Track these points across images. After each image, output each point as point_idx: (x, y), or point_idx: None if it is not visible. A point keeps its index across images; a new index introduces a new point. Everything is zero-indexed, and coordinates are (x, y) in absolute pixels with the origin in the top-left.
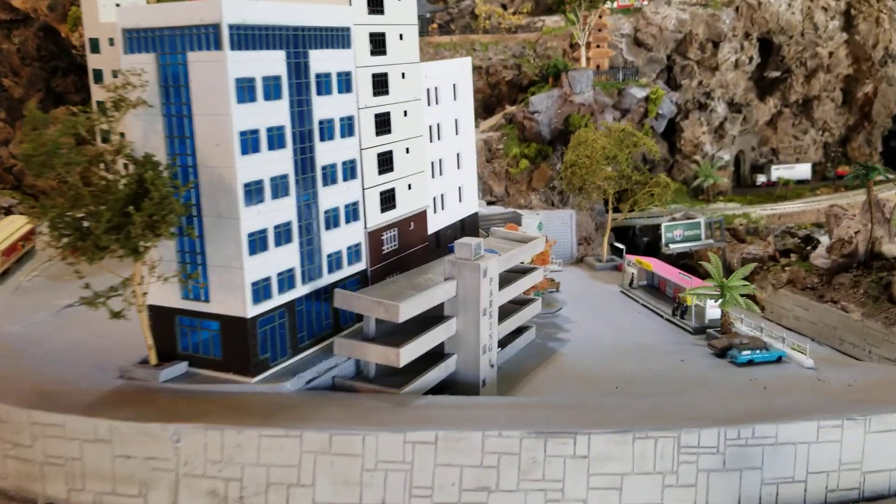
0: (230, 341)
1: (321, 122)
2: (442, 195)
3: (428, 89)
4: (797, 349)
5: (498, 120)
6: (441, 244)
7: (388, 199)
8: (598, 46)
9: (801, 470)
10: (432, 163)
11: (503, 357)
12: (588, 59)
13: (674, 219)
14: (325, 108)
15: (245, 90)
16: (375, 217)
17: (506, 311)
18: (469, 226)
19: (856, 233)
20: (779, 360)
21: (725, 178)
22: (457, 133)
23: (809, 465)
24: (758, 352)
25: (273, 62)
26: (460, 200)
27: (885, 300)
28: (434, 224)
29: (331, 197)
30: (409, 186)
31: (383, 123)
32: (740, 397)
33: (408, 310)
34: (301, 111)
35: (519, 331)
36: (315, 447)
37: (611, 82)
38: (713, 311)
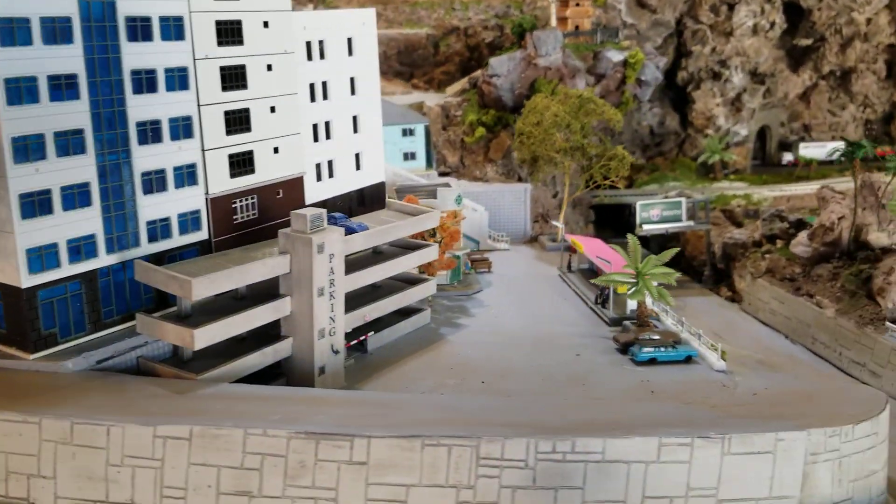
0: (10, 313)
1: (136, 73)
2: (330, 162)
3: (308, 42)
4: (714, 349)
5: (463, 85)
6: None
7: (242, 163)
8: (577, 4)
9: (636, 494)
10: (314, 125)
11: (378, 341)
12: (565, 18)
13: (668, 196)
14: (141, 56)
15: (12, 30)
16: (222, 182)
17: (390, 291)
18: (370, 197)
19: (839, 218)
20: (688, 359)
21: (735, 156)
22: (353, 93)
23: (647, 489)
24: (662, 350)
25: None
26: (358, 168)
27: (864, 296)
28: (316, 193)
29: (151, 158)
30: (276, 150)
31: (235, 78)
32: (606, 403)
33: (204, 287)
34: (104, 58)
35: (408, 313)
36: (55, 436)
37: (587, 44)
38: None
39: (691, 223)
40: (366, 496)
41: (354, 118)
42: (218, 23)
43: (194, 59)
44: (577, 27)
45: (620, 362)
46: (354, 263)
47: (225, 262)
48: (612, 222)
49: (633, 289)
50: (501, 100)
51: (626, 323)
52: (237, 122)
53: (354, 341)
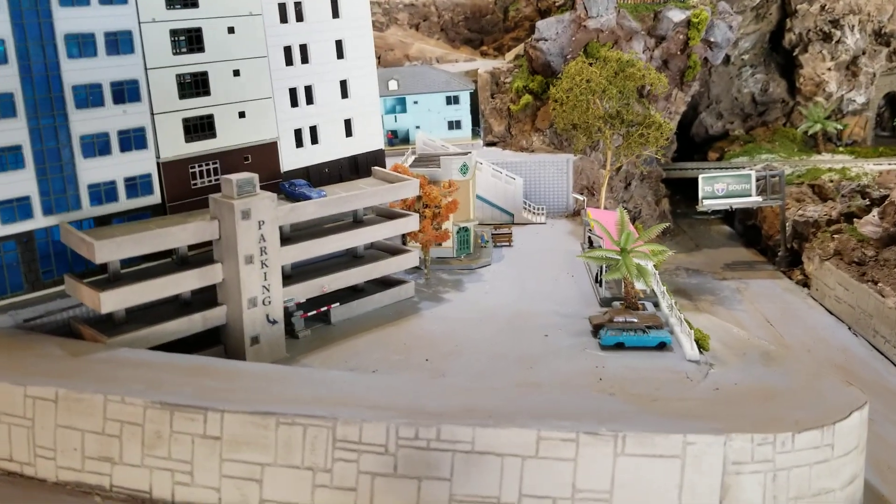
0: None
1: (70, 37)
2: (313, 127)
3: (282, 4)
4: (697, 336)
5: (518, 50)
6: (313, 182)
7: (200, 128)
8: None
9: (512, 491)
10: (291, 89)
11: (348, 313)
12: None
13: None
14: (76, 21)
15: None
16: (176, 147)
17: (371, 260)
18: (366, 164)
19: None
20: (661, 346)
21: (839, 125)
22: (341, 56)
23: (525, 486)
24: (631, 334)
25: None
26: (349, 135)
27: None
28: (296, 160)
29: (92, 121)
30: (242, 114)
31: (190, 41)
32: (527, 390)
33: (109, 251)
34: (35, 23)
35: (390, 284)
36: None
37: (648, 3)
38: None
39: (759, 199)
40: (221, 472)
41: (343, 83)
42: None
43: (139, 23)
44: None
45: (587, 346)
46: (318, 232)
47: (148, 227)
48: (690, 197)
49: (612, 267)
50: (550, 65)
51: (616, 304)
52: (193, 85)
53: (314, 312)
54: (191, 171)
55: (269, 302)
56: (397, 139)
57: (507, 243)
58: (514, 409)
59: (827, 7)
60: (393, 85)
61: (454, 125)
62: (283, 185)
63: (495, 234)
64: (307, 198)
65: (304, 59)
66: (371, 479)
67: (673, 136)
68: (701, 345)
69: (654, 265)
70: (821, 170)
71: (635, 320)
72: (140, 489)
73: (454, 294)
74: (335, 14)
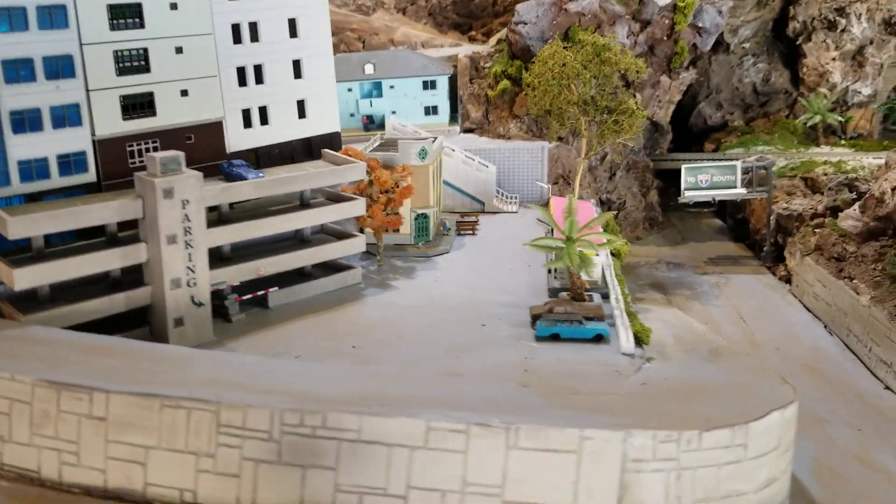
0: None
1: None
2: (263, 107)
3: None
4: (636, 329)
5: (504, 34)
6: (262, 164)
7: (139, 105)
8: None
9: (399, 482)
10: (240, 68)
11: (288, 297)
12: None
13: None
14: None
15: None
16: (113, 124)
17: (310, 245)
18: (320, 147)
19: (894, 188)
20: (598, 338)
21: (839, 118)
22: (294, 36)
23: (413, 478)
24: (567, 325)
25: None
26: (302, 116)
27: None
28: (244, 140)
29: (21, 97)
30: (185, 92)
31: (128, 17)
32: (445, 380)
33: (23, 227)
34: None
35: (338, 269)
36: None
37: None
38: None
39: (744, 191)
40: (106, 453)
41: (296, 63)
42: None
43: None
44: None
45: (522, 336)
46: (259, 214)
47: (74, 204)
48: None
49: (554, 257)
50: (530, 50)
51: (563, 294)
52: (132, 62)
53: (249, 295)
54: (129, 149)
55: (195, 284)
56: (373, 124)
57: (471, 231)
58: (413, 398)
59: None
60: (369, 69)
61: (431, 110)
62: (223, 166)
63: (460, 221)
64: (243, 178)
65: (254, 38)
66: (255, 465)
67: (668, 126)
68: (640, 338)
69: (618, 255)
70: (816, 163)
71: (575, 311)
72: (29, 468)
73: (403, 281)
74: None
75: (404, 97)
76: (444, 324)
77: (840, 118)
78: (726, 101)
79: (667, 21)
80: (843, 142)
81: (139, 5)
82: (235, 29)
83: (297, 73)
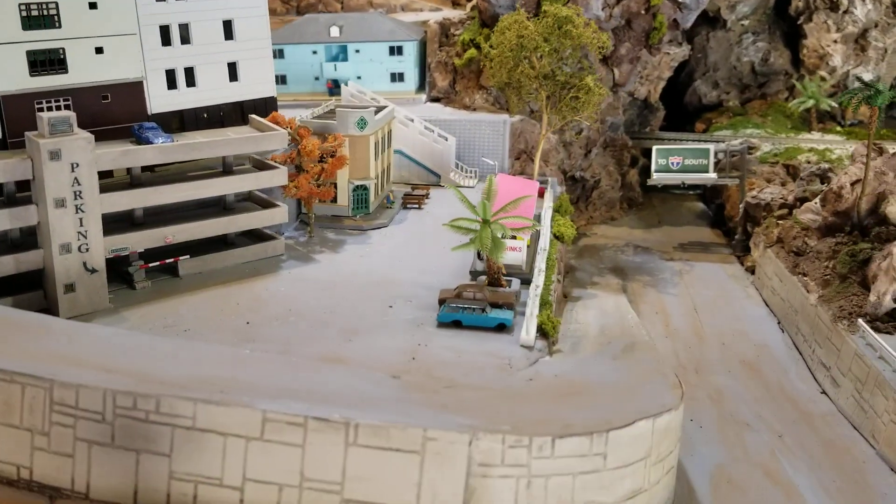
0: None
1: None
2: (189, 69)
3: None
4: (541, 320)
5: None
6: (187, 127)
7: (48, 62)
8: None
9: (235, 473)
10: (163, 27)
11: (203, 266)
12: None
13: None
14: None
15: None
16: (18, 80)
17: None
18: (253, 111)
19: (853, 183)
20: (500, 327)
21: (832, 102)
22: None
23: (248, 470)
24: (470, 312)
25: None
26: (234, 79)
27: (855, 283)
28: (167, 101)
29: None
30: (99, 50)
31: None
32: (312, 362)
33: None
34: None
35: (260, 238)
36: None
37: None
38: (508, 252)
39: (714, 176)
40: None
41: (227, 23)
42: None
43: None
44: None
45: (424, 321)
46: (171, 178)
47: None
48: None
49: (469, 240)
50: (499, 18)
51: (481, 278)
52: (39, 16)
53: (156, 263)
54: (37, 106)
55: (87, 249)
56: (338, 89)
57: (417, 206)
58: (262, 385)
59: None
60: (335, 31)
61: (397, 77)
62: (134, 128)
63: (407, 195)
64: (150, 142)
65: None
66: (88, 447)
67: (659, 104)
68: (545, 330)
69: (561, 238)
70: (800, 149)
71: (483, 298)
72: None
73: (326, 255)
74: None
75: (370, 62)
76: (349, 303)
77: (832, 103)
78: (723, 80)
79: None
80: (839, 129)
81: None
82: None
83: (229, 34)
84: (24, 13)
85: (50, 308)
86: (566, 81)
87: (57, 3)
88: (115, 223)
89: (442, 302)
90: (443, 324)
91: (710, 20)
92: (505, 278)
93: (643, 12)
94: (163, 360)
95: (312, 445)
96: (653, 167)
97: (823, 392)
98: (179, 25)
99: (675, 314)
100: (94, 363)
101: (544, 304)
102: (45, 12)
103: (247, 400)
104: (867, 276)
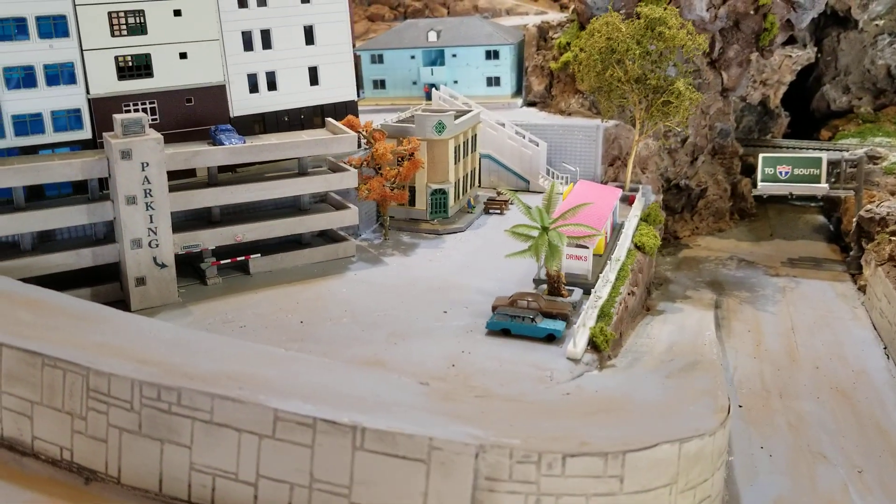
0: None
1: None
2: (270, 73)
3: None
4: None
5: None
6: (268, 129)
7: (135, 66)
8: None
9: (249, 469)
10: (245, 32)
11: (266, 265)
12: None
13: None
14: None
15: None
16: (107, 84)
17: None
18: (333, 115)
19: None
20: (550, 337)
21: None
22: (306, 1)
23: (262, 467)
24: (520, 321)
25: None
26: (315, 83)
27: None
28: (250, 105)
29: (16, 54)
30: (184, 55)
31: None
32: (354, 368)
33: None
34: None
35: (334, 240)
36: None
37: None
38: (572, 261)
39: (826, 186)
40: (1, 404)
41: (308, 28)
42: None
43: None
44: None
45: (475, 329)
46: (238, 181)
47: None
48: None
49: (528, 247)
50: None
51: (542, 287)
52: (127, 24)
53: (227, 261)
54: (125, 108)
55: (157, 245)
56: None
57: (500, 211)
58: (286, 385)
59: None
60: (432, 36)
61: (493, 81)
62: (211, 130)
63: (490, 199)
64: (222, 144)
65: (261, 3)
66: (119, 433)
67: (780, 110)
68: (596, 343)
69: (642, 248)
70: None
71: (536, 307)
72: None
73: (396, 259)
74: None
75: (466, 66)
76: (407, 307)
77: None
78: (855, 85)
79: None
80: None
81: None
82: None
83: (310, 40)
84: (112, 20)
85: (124, 300)
86: (658, 85)
87: (144, 12)
88: (195, 220)
89: (495, 309)
90: (492, 331)
91: (840, 20)
92: (567, 288)
93: (752, 12)
94: (196, 355)
95: (321, 447)
96: (759, 176)
97: None
98: (261, 31)
99: (769, 333)
100: (131, 354)
101: (603, 315)
102: (133, 20)
103: (261, 398)
104: None
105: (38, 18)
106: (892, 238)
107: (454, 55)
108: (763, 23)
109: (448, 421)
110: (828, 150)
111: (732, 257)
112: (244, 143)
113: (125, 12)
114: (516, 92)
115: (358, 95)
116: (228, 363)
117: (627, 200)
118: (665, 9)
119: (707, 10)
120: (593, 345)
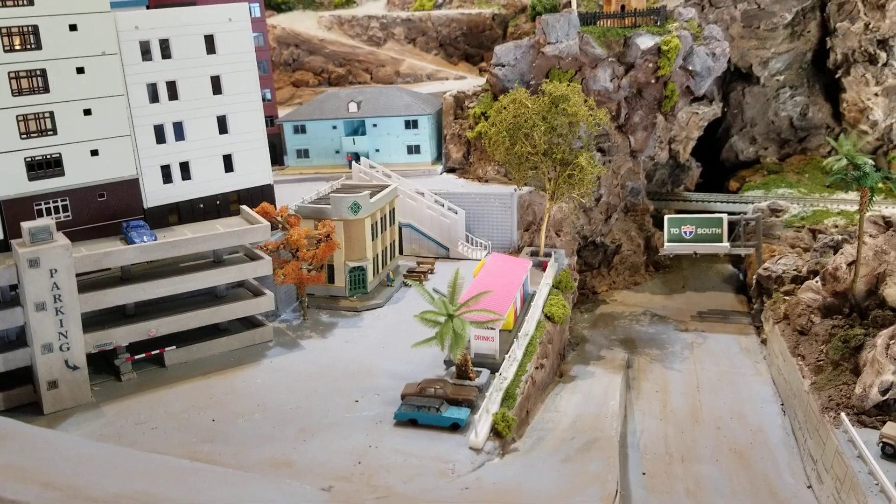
0: None
1: None
2: (184, 163)
3: (144, 42)
4: (496, 419)
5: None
6: (184, 219)
7: (46, 165)
8: None
9: None
10: (157, 126)
11: (182, 356)
12: None
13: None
14: None
15: None
16: (17, 185)
17: (215, 303)
18: (249, 200)
19: (849, 264)
20: (454, 426)
21: (868, 160)
22: (218, 92)
23: None
24: (425, 411)
25: None
26: (230, 170)
27: (848, 371)
28: (164, 195)
29: None
30: (94, 152)
31: (32, 82)
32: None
33: None
34: None
35: (253, 326)
36: None
37: (615, 28)
38: (480, 342)
39: (727, 245)
40: None
41: (221, 118)
42: (5, 28)
43: None
44: (622, 6)
45: (385, 418)
46: (152, 273)
47: None
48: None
49: (435, 334)
50: (509, 92)
51: (453, 368)
52: (37, 124)
53: (142, 355)
54: (36, 208)
55: (68, 348)
56: (358, 162)
57: (419, 281)
58: (178, 501)
59: (871, 26)
60: (353, 107)
61: (413, 150)
62: (122, 226)
63: (410, 270)
64: (133, 242)
65: (173, 96)
66: None
67: (691, 162)
68: (498, 430)
69: (551, 319)
70: (829, 213)
71: (441, 394)
72: None
73: (313, 342)
74: (210, 50)
75: (387, 136)
76: (319, 397)
77: (868, 160)
78: (761, 136)
79: (650, 65)
80: (881, 185)
81: (43, 70)
82: (152, 88)
83: (223, 129)
84: (21, 123)
85: (37, 402)
86: (563, 158)
87: (52, 112)
88: (109, 315)
89: (404, 398)
90: (400, 422)
91: (744, 76)
92: (476, 369)
93: (653, 81)
94: (100, 473)
95: None
96: (665, 237)
97: (810, 486)
98: (174, 123)
99: (675, 393)
100: (35, 477)
101: (507, 398)
102: (42, 120)
103: None
104: (859, 364)
105: None
106: (787, 298)
107: (374, 125)
108: (664, 90)
109: None
110: (733, 202)
111: (646, 312)
112: (155, 239)
113: (35, 114)
114: (436, 159)
115: (282, 164)
116: (133, 482)
117: (541, 266)
118: (568, 85)
119: (611, 80)
120: (496, 431)
